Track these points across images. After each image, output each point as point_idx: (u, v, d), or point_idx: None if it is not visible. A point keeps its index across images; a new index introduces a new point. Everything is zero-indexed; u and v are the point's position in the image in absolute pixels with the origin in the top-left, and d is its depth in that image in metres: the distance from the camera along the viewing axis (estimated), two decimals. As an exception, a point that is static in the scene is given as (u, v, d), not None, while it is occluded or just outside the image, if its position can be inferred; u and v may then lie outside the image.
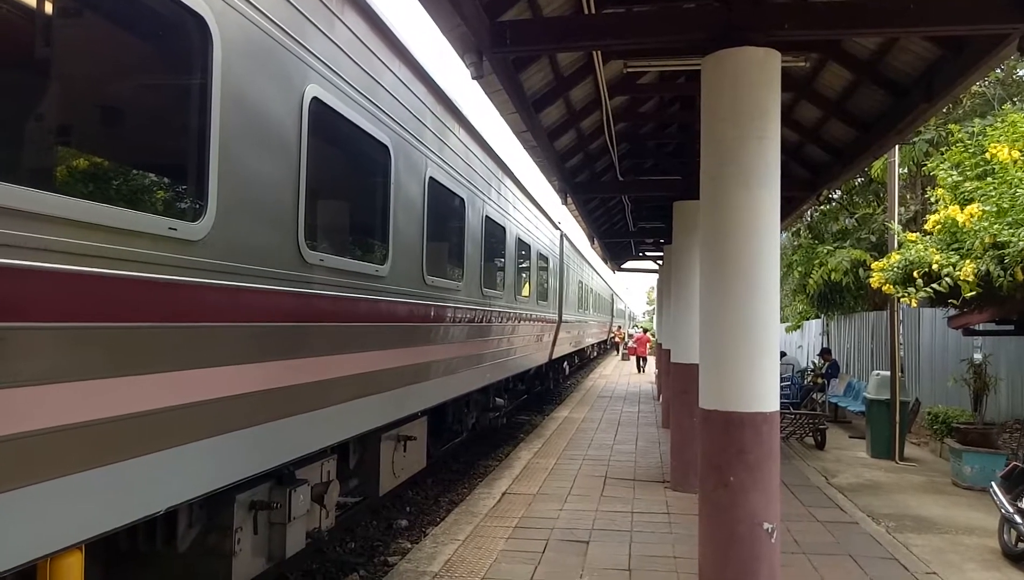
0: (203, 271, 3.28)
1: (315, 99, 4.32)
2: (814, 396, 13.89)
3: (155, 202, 3.24)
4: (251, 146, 3.69)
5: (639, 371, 30.01)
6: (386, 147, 5.49)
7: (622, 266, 25.09)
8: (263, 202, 3.82)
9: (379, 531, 7.57)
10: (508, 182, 10.41)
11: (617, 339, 45.65)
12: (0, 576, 2.44)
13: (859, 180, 16.77)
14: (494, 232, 9.47)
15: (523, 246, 11.76)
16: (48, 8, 2.79)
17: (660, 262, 20.13)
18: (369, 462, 6.20)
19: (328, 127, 4.60)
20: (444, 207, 7.20)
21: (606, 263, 25.08)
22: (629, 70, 6.54)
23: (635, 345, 32.53)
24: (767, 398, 4.36)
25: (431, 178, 6.59)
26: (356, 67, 4.91)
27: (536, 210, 13.23)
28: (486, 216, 8.88)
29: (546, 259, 14.53)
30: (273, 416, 3.99)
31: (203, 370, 3.35)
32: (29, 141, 2.78)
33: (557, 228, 16.43)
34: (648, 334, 33.17)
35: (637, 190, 11.63)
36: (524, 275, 12.17)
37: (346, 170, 5.43)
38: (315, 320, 4.42)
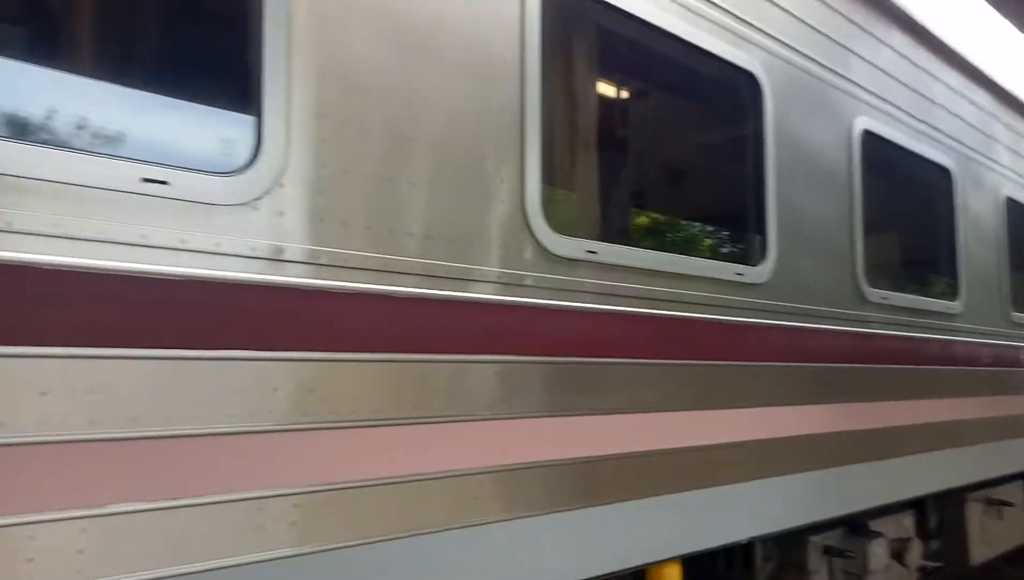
0: (766, 313, 3.45)
1: (865, 131, 4.19)
2: None
3: (723, 250, 3.56)
4: (804, 188, 3.77)
5: None
6: (947, 169, 4.98)
7: None
8: (819, 242, 3.85)
9: (967, 608, 6.49)
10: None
11: None
12: (618, 576, 2.90)
13: None
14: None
15: None
16: (624, 94, 3.38)
17: None
18: (952, 524, 5.48)
19: (880, 157, 4.41)
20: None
21: None
22: None
23: None
24: None
25: (1008, 198, 5.69)
26: (904, 88, 4.62)
27: None
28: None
29: None
30: (836, 461, 3.90)
31: (768, 409, 3.49)
32: (621, 206, 3.38)
33: None
34: None
35: None
36: None
37: (903, 200, 5.11)
38: (877, 361, 4.23)
